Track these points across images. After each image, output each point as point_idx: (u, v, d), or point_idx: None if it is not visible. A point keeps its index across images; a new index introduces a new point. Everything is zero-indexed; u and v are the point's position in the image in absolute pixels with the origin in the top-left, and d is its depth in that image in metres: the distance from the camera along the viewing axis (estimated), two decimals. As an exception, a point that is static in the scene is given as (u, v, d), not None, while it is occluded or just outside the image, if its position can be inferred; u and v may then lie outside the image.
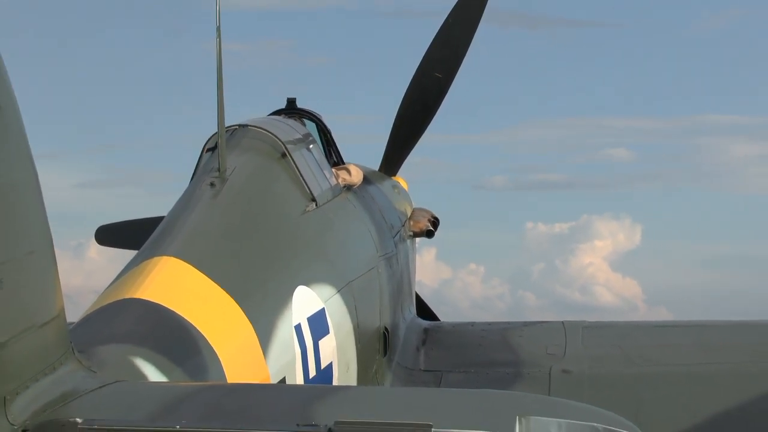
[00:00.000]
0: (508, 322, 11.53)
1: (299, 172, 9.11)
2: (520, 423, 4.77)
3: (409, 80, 12.54)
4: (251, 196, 8.52)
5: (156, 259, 7.17)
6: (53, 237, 5.22)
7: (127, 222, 14.28)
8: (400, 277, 11.08)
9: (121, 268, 7.37)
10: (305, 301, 7.99)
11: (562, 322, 11.10)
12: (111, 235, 14.57)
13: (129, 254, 7.92)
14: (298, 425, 4.84)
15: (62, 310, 5.29)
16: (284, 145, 9.12)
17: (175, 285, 6.95)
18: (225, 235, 7.89)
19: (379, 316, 9.87)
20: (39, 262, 5.10)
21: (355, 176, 10.52)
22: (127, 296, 6.71)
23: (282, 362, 7.38)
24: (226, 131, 8.53)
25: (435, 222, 12.48)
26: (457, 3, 12.36)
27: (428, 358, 10.73)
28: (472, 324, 11.74)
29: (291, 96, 11.06)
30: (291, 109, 10.90)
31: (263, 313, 7.37)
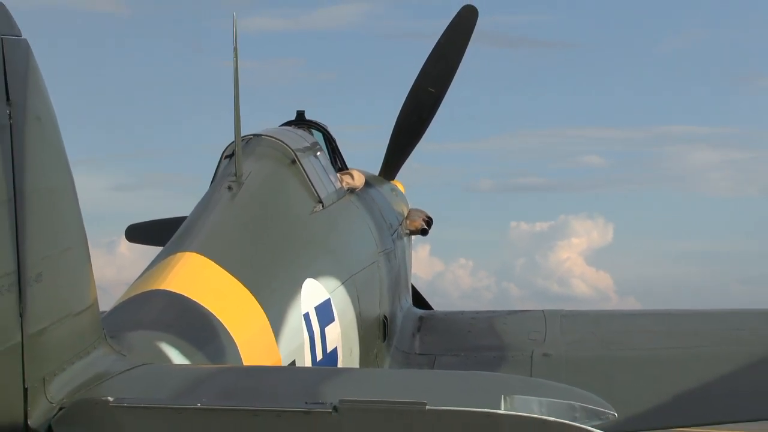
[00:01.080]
0: (494, 311, 11.51)
1: (307, 176, 9.12)
2: (505, 401, 4.77)
3: (406, 94, 12.56)
4: (264, 199, 8.52)
5: (179, 254, 7.18)
6: (88, 235, 5.23)
7: (154, 221, 14.29)
8: (398, 270, 11.08)
9: (149, 262, 7.38)
10: (313, 292, 7.99)
11: (543, 310, 11.09)
12: (139, 233, 14.58)
13: (155, 250, 7.92)
14: (306, 403, 4.83)
15: (96, 300, 5.30)
16: (294, 153, 9.13)
17: (196, 278, 6.95)
18: (241, 233, 7.90)
19: (379, 306, 9.88)
20: (75, 258, 5.12)
21: (358, 180, 10.52)
22: (154, 288, 6.72)
23: (292, 347, 7.38)
24: (243, 140, 8.53)
25: (429, 221, 12.49)
26: (449, 26, 12.41)
27: (423, 343, 10.73)
28: (462, 312, 11.74)
29: (300, 108, 11.08)
30: (300, 120, 10.90)
31: (275, 303, 7.37)
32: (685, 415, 9.66)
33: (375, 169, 12.42)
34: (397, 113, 12.64)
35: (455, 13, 12.48)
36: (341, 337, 8.32)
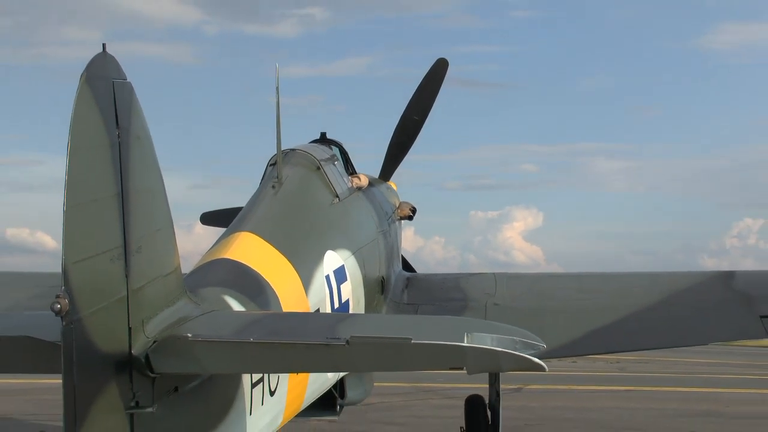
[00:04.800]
0: (459, 274, 11.53)
1: (328, 178, 9.11)
2: (467, 337, 4.76)
3: (398, 120, 12.57)
4: (297, 194, 8.51)
5: (238, 233, 7.17)
6: (173, 219, 5.22)
7: (220, 210, 14.25)
8: (392, 245, 11.08)
9: (216, 239, 7.38)
10: (332, 260, 7.99)
11: (493, 273, 11.09)
12: (209, 218, 14.53)
13: (221, 231, 7.92)
14: (327, 338, 4.83)
15: (179, 265, 5.29)
16: (319, 162, 9.12)
17: (249, 249, 6.95)
18: (281, 219, 7.89)
19: (379, 270, 9.88)
20: (164, 235, 5.11)
21: (364, 181, 10.53)
22: (220, 257, 6.72)
23: (317, 299, 7.39)
24: (282, 153, 8.53)
25: (414, 210, 12.47)
26: (428, 72, 12.45)
27: (409, 296, 10.73)
28: (437, 275, 11.75)
29: (323, 130, 11.07)
30: (323, 139, 10.89)
31: (305, 267, 7.37)
32: (591, 347, 9.73)
33: (375, 173, 12.42)
34: (391, 133, 12.67)
35: (432, 63, 12.52)
36: (352, 292, 8.33)
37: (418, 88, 12.49)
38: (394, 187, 12.73)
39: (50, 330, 4.78)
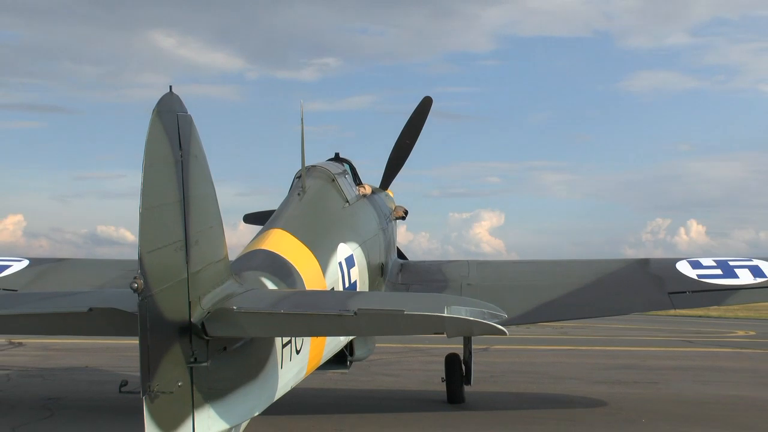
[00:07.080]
0: (441, 260, 11.48)
1: (341, 188, 9.10)
2: (447, 309, 4.75)
3: (393, 143, 12.56)
4: (317, 200, 8.49)
5: (272, 230, 7.16)
6: (222, 219, 5.21)
7: (258, 212, 14.20)
8: (390, 239, 11.05)
9: (255, 235, 7.36)
10: (343, 250, 7.98)
11: (467, 260, 11.07)
12: (250, 218, 14.44)
13: (259, 228, 7.91)
14: (340, 311, 4.83)
15: (227, 254, 5.29)
16: (334, 175, 9.10)
17: (281, 242, 6.94)
18: (305, 219, 7.87)
19: (379, 258, 9.86)
20: (215, 231, 5.10)
21: (368, 190, 10.51)
22: (258, 248, 6.72)
23: (332, 280, 7.38)
24: (306, 168, 8.51)
25: (406, 212, 12.43)
26: (417, 107, 12.44)
27: (402, 278, 10.69)
28: (423, 261, 11.71)
29: (336, 151, 11.05)
30: (336, 158, 10.86)
31: (323, 256, 7.35)
32: (541, 316, 9.73)
33: (377, 183, 12.38)
34: (389, 153, 12.65)
35: (420, 100, 12.52)
36: (359, 275, 8.32)
37: (409, 118, 12.47)
38: (391, 194, 12.69)
39: (130, 303, 4.78)
